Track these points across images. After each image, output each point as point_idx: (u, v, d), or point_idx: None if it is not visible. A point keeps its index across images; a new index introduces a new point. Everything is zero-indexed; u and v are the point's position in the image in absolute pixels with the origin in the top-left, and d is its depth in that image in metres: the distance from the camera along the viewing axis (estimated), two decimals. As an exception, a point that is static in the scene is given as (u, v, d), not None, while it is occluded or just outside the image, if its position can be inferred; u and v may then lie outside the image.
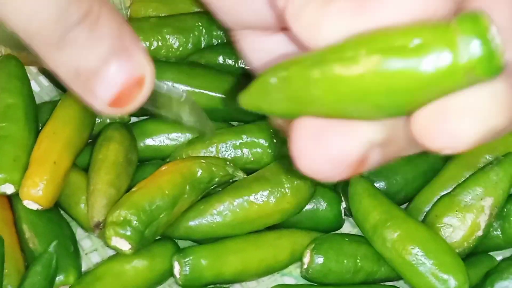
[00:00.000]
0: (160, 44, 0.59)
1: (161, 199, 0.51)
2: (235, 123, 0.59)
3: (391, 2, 0.19)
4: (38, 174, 0.51)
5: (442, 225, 0.53)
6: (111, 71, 0.24)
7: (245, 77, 0.57)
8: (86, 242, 0.55)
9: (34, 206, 0.51)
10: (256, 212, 0.53)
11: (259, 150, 0.55)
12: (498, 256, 0.55)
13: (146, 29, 0.59)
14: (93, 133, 0.57)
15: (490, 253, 0.55)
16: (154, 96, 0.26)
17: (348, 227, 0.57)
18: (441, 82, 0.19)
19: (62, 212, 0.55)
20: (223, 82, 0.57)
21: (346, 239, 0.53)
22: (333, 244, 0.53)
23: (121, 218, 0.49)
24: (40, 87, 0.61)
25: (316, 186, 0.54)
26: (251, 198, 0.52)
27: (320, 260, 0.52)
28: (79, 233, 0.55)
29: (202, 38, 0.60)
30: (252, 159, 0.55)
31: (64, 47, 0.23)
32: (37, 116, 0.56)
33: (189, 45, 0.59)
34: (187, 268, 0.51)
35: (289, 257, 0.54)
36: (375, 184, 0.55)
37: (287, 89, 0.21)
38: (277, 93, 0.21)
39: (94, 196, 0.52)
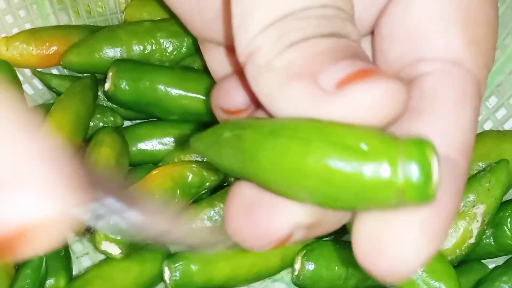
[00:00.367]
0: (154, 48, 0.59)
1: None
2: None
3: (350, 99, 0.20)
4: (30, 178, 0.51)
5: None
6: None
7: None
8: (77, 245, 0.55)
9: (24, 210, 0.51)
10: (247, 217, 0.52)
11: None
12: (491, 264, 0.55)
13: (140, 33, 0.59)
14: (85, 137, 0.56)
15: (482, 261, 0.55)
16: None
17: (339, 234, 0.57)
18: (373, 193, 0.19)
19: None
20: (216, 86, 0.57)
21: (337, 245, 0.53)
22: (324, 251, 0.53)
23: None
24: (34, 90, 0.61)
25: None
26: (242, 203, 0.52)
27: (311, 266, 0.52)
28: (70, 237, 0.55)
29: (196, 42, 0.60)
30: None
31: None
32: (30, 119, 0.56)
33: (183, 49, 0.59)
34: (177, 274, 0.51)
35: (279, 263, 0.54)
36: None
37: (237, 147, 0.21)
38: (227, 148, 0.22)
39: (84, 200, 0.52)
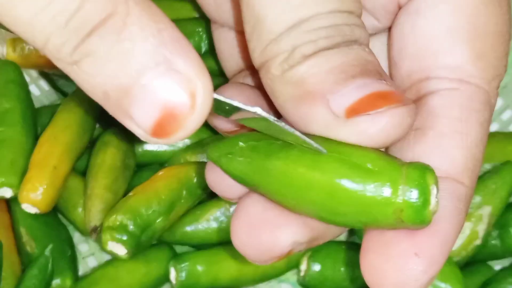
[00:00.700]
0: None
1: (158, 204, 0.51)
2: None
3: (358, 129, 0.21)
4: (38, 178, 0.51)
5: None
6: (148, 90, 0.19)
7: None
8: (83, 246, 0.55)
9: (32, 210, 0.51)
10: (253, 218, 0.53)
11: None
12: (496, 265, 0.55)
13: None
14: (92, 137, 0.57)
15: (488, 263, 0.55)
16: (220, 107, 0.21)
17: (345, 235, 0.57)
18: (373, 210, 0.21)
19: (59, 215, 0.55)
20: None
21: (344, 246, 0.53)
22: (330, 252, 0.53)
23: (118, 223, 0.49)
24: (40, 91, 0.61)
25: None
26: (248, 204, 0.52)
27: (317, 267, 0.52)
28: (76, 237, 0.55)
29: (202, 43, 0.60)
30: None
31: (82, 61, 0.18)
32: (36, 120, 0.56)
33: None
34: (183, 274, 0.51)
35: (285, 263, 0.54)
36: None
37: (250, 157, 0.23)
38: (241, 157, 0.23)
39: (91, 200, 0.52)
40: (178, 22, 0.60)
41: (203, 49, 0.60)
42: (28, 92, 0.57)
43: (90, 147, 0.56)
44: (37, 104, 0.58)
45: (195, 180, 0.52)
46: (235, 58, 0.28)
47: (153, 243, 0.52)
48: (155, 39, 0.18)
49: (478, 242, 0.53)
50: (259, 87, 0.26)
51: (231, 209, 0.53)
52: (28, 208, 0.51)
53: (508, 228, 0.54)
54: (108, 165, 0.53)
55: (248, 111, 0.21)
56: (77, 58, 0.18)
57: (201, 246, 0.54)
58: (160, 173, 0.53)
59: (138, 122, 0.19)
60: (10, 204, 0.54)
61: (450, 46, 0.24)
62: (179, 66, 0.19)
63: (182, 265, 0.51)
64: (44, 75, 0.60)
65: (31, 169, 0.52)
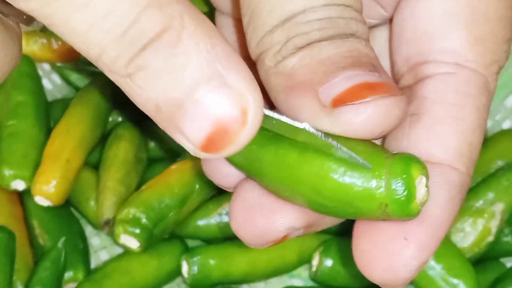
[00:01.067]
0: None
1: (170, 198, 0.51)
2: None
3: (344, 119, 0.21)
4: (51, 171, 0.51)
5: (453, 229, 0.53)
6: (200, 105, 0.18)
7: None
8: (95, 239, 0.55)
9: (45, 203, 0.51)
10: (265, 212, 0.53)
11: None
12: (508, 262, 0.55)
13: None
14: (104, 131, 0.57)
15: (500, 260, 0.55)
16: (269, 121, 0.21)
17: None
18: (358, 204, 0.21)
19: (71, 209, 0.55)
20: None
21: (355, 242, 0.53)
22: (342, 247, 0.53)
23: (130, 216, 0.49)
24: (53, 85, 0.61)
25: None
26: (261, 198, 0.52)
27: (329, 262, 0.52)
28: (88, 230, 0.55)
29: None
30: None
31: (135, 74, 0.18)
32: (48, 113, 0.56)
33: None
34: (195, 268, 0.51)
35: (297, 258, 0.54)
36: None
37: (245, 147, 0.22)
38: None
39: (104, 193, 0.52)
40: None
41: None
42: (41, 86, 0.57)
43: (102, 141, 0.56)
44: (49, 98, 0.58)
45: (207, 174, 0.52)
46: (235, 47, 0.28)
47: (165, 237, 0.52)
48: (208, 54, 0.19)
49: (490, 238, 0.53)
50: (257, 79, 0.26)
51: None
52: (41, 200, 0.51)
53: (521, 225, 0.54)
54: (121, 159, 0.53)
55: (295, 126, 0.21)
56: (131, 71, 0.18)
57: (213, 240, 0.54)
58: (173, 167, 0.53)
59: (188, 137, 0.19)
60: (23, 197, 0.54)
61: (448, 30, 0.24)
62: (232, 81, 0.19)
63: (194, 259, 0.51)
64: (57, 69, 0.60)
65: (44, 162, 0.52)
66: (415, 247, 0.22)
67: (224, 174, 0.25)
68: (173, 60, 0.18)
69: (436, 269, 0.50)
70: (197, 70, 0.18)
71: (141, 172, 0.54)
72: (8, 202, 0.53)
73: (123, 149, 0.53)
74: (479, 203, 0.53)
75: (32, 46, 0.59)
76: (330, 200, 0.21)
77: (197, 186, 0.52)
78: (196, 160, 0.53)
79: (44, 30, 0.59)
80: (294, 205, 0.23)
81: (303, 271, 0.55)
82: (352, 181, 0.21)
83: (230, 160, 0.24)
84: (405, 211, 0.21)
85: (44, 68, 0.61)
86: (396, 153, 0.22)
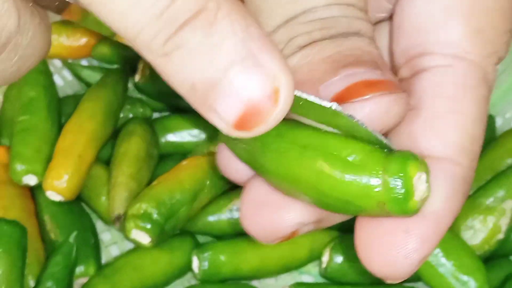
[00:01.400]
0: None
1: (181, 193, 0.51)
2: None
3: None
4: (63, 166, 0.51)
5: (463, 227, 0.53)
6: (234, 85, 0.19)
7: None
8: (106, 235, 0.56)
9: (57, 198, 0.52)
10: (276, 209, 0.53)
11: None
12: (519, 260, 0.55)
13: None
14: (116, 127, 0.57)
15: (510, 257, 0.55)
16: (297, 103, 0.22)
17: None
18: (357, 202, 0.21)
19: (82, 204, 0.55)
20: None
21: (366, 238, 0.53)
22: (352, 244, 0.52)
23: (142, 211, 0.50)
24: (64, 81, 0.61)
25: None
26: (271, 195, 0.53)
27: (339, 259, 0.52)
28: (99, 226, 0.55)
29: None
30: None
31: (172, 53, 0.19)
32: (60, 109, 0.56)
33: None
34: (206, 263, 0.52)
35: (307, 255, 0.54)
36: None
37: (250, 145, 0.23)
38: (243, 144, 0.24)
39: (115, 188, 0.52)
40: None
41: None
42: (52, 81, 0.57)
43: (113, 136, 0.56)
44: (60, 94, 0.59)
45: (218, 170, 0.53)
46: None
47: (176, 232, 0.52)
48: (243, 34, 0.19)
49: (500, 236, 0.53)
50: None
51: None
52: (53, 195, 0.52)
53: (531, 223, 0.54)
54: (133, 154, 0.53)
55: (323, 106, 0.21)
56: (168, 50, 0.19)
57: (223, 236, 0.54)
58: (184, 162, 0.53)
59: (221, 116, 0.19)
60: (34, 192, 0.54)
61: (446, 21, 0.24)
62: (265, 62, 0.19)
63: (205, 254, 0.52)
64: (68, 65, 0.61)
65: (56, 157, 0.52)
66: (416, 240, 0.22)
67: (236, 170, 0.25)
68: (209, 39, 0.19)
69: (446, 266, 0.50)
70: (232, 50, 0.19)
71: (152, 168, 0.55)
72: (20, 197, 0.53)
73: (134, 145, 0.54)
74: (489, 201, 0.53)
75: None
76: (330, 198, 0.22)
77: (208, 182, 0.52)
78: (207, 156, 0.53)
79: (56, 26, 0.60)
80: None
81: (313, 268, 0.55)
82: (350, 180, 0.21)
83: (239, 156, 0.24)
84: (403, 209, 0.21)
85: (55, 65, 0.61)
86: (394, 151, 0.22)
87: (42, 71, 0.57)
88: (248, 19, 0.19)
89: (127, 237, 0.51)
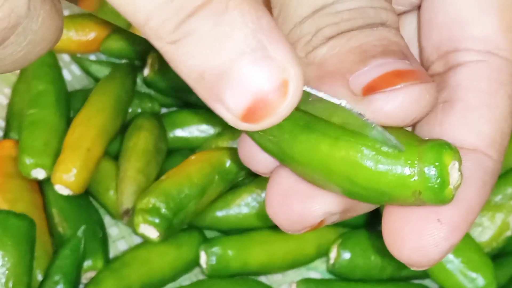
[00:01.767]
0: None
1: (190, 188, 0.51)
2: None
3: (374, 107, 0.21)
4: (72, 160, 0.51)
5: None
6: (242, 75, 0.19)
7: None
8: (114, 229, 0.56)
9: (65, 191, 0.52)
10: (284, 204, 0.53)
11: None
12: (527, 257, 0.55)
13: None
14: (124, 121, 0.57)
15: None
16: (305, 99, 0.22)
17: (375, 223, 0.57)
18: (392, 192, 0.21)
19: (90, 198, 0.55)
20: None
21: (373, 235, 0.53)
22: (360, 240, 0.53)
23: (150, 206, 0.50)
24: (72, 76, 0.61)
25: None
26: (280, 190, 0.52)
27: (347, 255, 0.52)
28: (106, 220, 0.55)
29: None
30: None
31: (181, 41, 0.19)
32: (69, 103, 0.56)
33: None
34: (214, 258, 0.52)
35: (315, 251, 0.54)
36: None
37: (277, 136, 0.23)
38: (269, 135, 0.23)
39: (123, 183, 0.52)
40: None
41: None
42: (61, 75, 0.57)
43: (122, 131, 0.56)
44: (69, 89, 0.59)
45: (227, 165, 0.53)
46: None
47: (184, 227, 0.52)
48: (254, 25, 0.19)
49: (509, 233, 0.53)
50: None
51: (263, 195, 0.53)
52: (61, 189, 0.52)
53: (540, 220, 0.54)
54: (141, 149, 0.53)
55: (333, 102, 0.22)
56: (177, 37, 0.19)
57: (231, 231, 0.54)
58: (193, 157, 0.53)
59: (229, 107, 0.19)
60: (43, 185, 0.54)
61: (479, 17, 0.24)
62: (275, 54, 0.19)
63: (213, 249, 0.52)
64: (77, 60, 0.61)
65: (65, 150, 0.52)
66: (447, 228, 0.22)
67: (259, 160, 0.25)
68: (219, 28, 0.18)
69: (454, 263, 0.50)
70: (242, 40, 0.19)
71: (160, 163, 0.55)
72: (28, 191, 0.53)
73: (143, 139, 0.54)
74: (498, 198, 0.53)
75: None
76: (363, 188, 0.22)
77: (217, 177, 0.52)
78: (216, 151, 0.53)
79: (64, 21, 0.60)
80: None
81: (320, 264, 0.55)
82: (385, 170, 0.21)
83: (264, 147, 0.24)
84: (439, 197, 0.21)
85: (63, 59, 0.61)
86: (427, 140, 0.22)
87: (51, 65, 0.57)
88: (259, 10, 0.19)
89: (135, 232, 0.51)
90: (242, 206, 0.53)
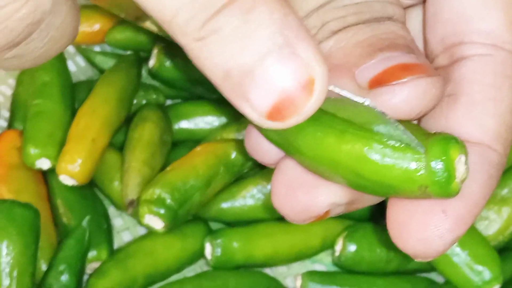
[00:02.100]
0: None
1: (195, 179, 0.51)
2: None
3: (380, 100, 0.21)
4: (76, 150, 0.51)
5: (478, 217, 0.53)
6: (269, 73, 0.19)
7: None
8: (118, 220, 0.55)
9: (70, 182, 0.52)
10: (289, 196, 0.52)
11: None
12: (533, 251, 0.55)
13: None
14: (129, 113, 0.57)
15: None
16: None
17: (381, 216, 0.56)
18: (398, 185, 0.21)
19: (95, 189, 0.55)
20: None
21: (379, 227, 0.53)
22: (366, 233, 0.53)
23: (155, 196, 0.49)
24: (77, 67, 0.61)
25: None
26: (285, 182, 0.52)
27: (352, 248, 0.52)
28: (111, 211, 0.55)
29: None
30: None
31: (207, 38, 0.18)
32: (73, 93, 0.56)
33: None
34: (219, 250, 0.51)
35: (320, 243, 0.54)
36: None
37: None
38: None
39: (128, 174, 0.52)
40: None
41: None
42: (66, 66, 0.57)
43: (127, 122, 0.56)
44: (73, 80, 0.58)
45: (232, 156, 0.52)
46: None
47: (189, 218, 0.52)
48: (281, 22, 0.19)
49: (515, 227, 0.52)
50: None
51: (268, 187, 0.52)
52: (66, 179, 0.51)
53: (547, 214, 0.54)
54: (146, 140, 0.53)
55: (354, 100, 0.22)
56: (204, 34, 0.19)
57: (236, 223, 0.53)
58: (198, 149, 0.53)
59: (254, 105, 0.19)
60: (47, 176, 0.54)
61: (485, 11, 0.24)
62: (301, 52, 0.19)
63: (218, 241, 0.51)
64: (82, 51, 0.60)
65: (70, 141, 0.52)
66: (452, 220, 0.22)
67: (266, 151, 0.25)
68: (246, 26, 0.18)
69: (460, 256, 0.50)
70: (269, 38, 0.19)
71: (165, 154, 0.54)
72: (33, 181, 0.53)
73: (148, 131, 0.53)
74: (504, 191, 0.53)
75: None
76: (369, 181, 0.22)
77: (222, 168, 0.52)
78: (221, 143, 0.53)
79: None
80: None
81: (325, 257, 0.55)
82: (392, 163, 0.21)
83: (270, 138, 0.24)
84: (445, 191, 0.21)
85: (68, 50, 0.61)
86: (434, 134, 0.22)
87: (57, 56, 0.56)
88: (286, 7, 0.19)
89: (140, 222, 0.51)
90: (247, 198, 0.53)
